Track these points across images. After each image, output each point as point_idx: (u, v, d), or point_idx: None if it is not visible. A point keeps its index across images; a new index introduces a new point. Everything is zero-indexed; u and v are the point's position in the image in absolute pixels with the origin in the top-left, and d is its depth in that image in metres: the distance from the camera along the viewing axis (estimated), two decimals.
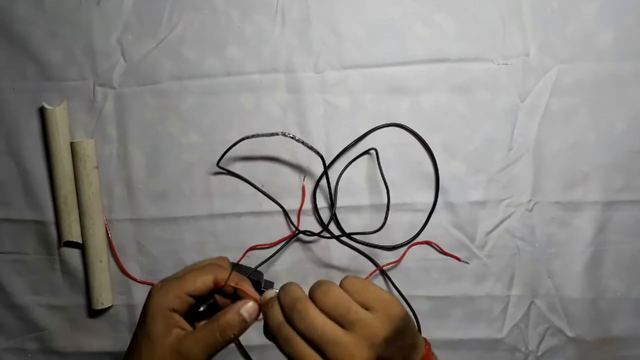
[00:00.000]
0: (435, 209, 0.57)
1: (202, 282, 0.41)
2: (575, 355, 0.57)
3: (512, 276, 0.57)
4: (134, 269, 0.59)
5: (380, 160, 0.57)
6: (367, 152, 0.57)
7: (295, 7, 0.56)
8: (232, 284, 0.42)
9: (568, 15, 0.55)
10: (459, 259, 0.57)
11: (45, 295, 0.60)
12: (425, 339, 0.41)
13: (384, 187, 0.56)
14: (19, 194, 0.59)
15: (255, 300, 0.41)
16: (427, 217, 0.57)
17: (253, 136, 0.54)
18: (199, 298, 0.42)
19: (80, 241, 0.58)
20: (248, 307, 0.41)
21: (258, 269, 0.58)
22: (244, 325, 0.40)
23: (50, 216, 0.58)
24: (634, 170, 0.56)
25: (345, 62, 0.56)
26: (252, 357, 0.58)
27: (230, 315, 0.40)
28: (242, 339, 0.58)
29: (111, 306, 0.59)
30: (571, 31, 0.55)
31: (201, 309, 0.43)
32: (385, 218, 0.56)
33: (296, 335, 0.36)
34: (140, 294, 0.59)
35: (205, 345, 0.39)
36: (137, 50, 0.57)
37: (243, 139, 0.54)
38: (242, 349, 0.58)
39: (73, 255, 0.59)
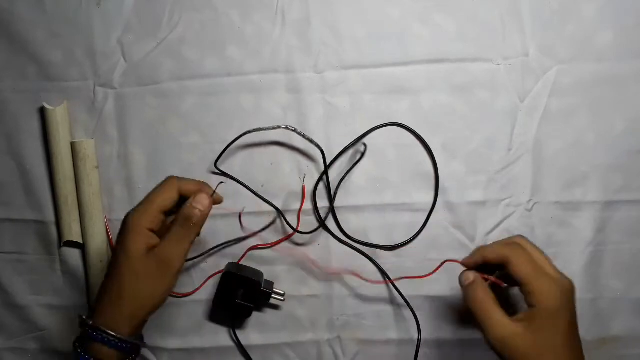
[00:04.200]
0: (435, 209, 0.57)
1: (170, 197, 0.46)
2: None
3: None
4: None
5: (380, 161, 0.57)
6: (358, 149, 0.57)
7: (295, 7, 0.57)
8: (195, 189, 0.47)
9: (568, 16, 0.55)
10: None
11: (46, 295, 0.60)
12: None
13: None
14: (20, 194, 0.59)
15: (205, 191, 0.47)
16: (426, 217, 0.57)
17: (254, 130, 0.54)
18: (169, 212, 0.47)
19: (80, 241, 0.58)
20: (198, 199, 0.46)
21: (258, 269, 0.58)
22: (200, 214, 0.45)
23: (50, 216, 0.58)
24: (633, 170, 0.56)
25: (345, 62, 0.56)
26: (252, 357, 0.58)
27: (185, 210, 0.45)
28: (242, 339, 0.58)
29: None
30: (571, 31, 0.55)
31: None
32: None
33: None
34: None
35: (177, 242, 0.45)
36: (138, 50, 0.57)
37: (244, 134, 0.54)
38: (242, 349, 0.58)
39: (73, 255, 0.59)
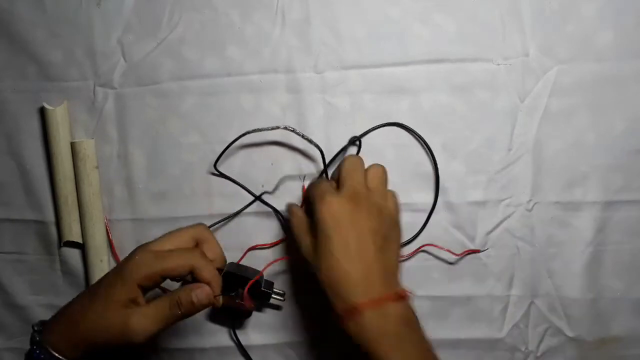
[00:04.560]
0: (435, 209, 0.57)
1: (179, 271, 0.44)
2: (575, 355, 0.57)
3: (512, 276, 0.57)
4: None
5: (380, 161, 0.56)
6: (353, 143, 0.57)
7: (295, 7, 0.57)
8: (205, 279, 0.45)
9: (568, 16, 0.55)
10: (461, 254, 0.57)
11: (46, 295, 0.60)
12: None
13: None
14: (19, 194, 0.59)
15: (213, 289, 0.45)
16: (426, 217, 0.57)
17: (254, 131, 0.54)
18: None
19: (80, 241, 0.58)
20: (199, 292, 0.44)
21: (258, 269, 0.58)
22: (192, 307, 0.44)
23: (50, 216, 0.58)
24: (633, 170, 0.56)
25: (345, 62, 0.56)
26: (252, 357, 0.58)
27: (182, 294, 0.43)
28: (242, 338, 0.58)
29: None
30: (571, 31, 0.55)
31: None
32: None
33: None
34: None
35: (154, 319, 0.42)
36: (138, 50, 0.57)
37: (243, 134, 0.54)
38: (242, 349, 0.58)
39: (73, 255, 0.59)
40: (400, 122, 0.57)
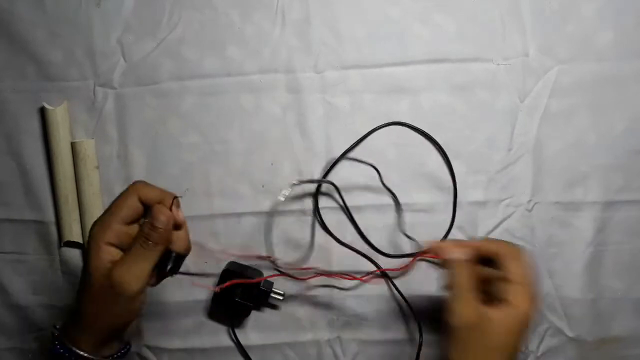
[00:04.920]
0: (437, 209, 0.57)
1: (130, 206, 0.42)
2: (575, 355, 0.57)
3: None
4: None
5: (381, 161, 0.57)
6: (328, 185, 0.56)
7: (295, 7, 0.57)
8: (157, 198, 0.43)
9: (568, 15, 0.55)
10: None
11: (46, 295, 0.60)
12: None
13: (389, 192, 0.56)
14: (20, 194, 0.59)
15: (166, 204, 0.43)
16: (430, 218, 0.57)
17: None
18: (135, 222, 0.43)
19: (80, 241, 0.58)
20: (155, 215, 0.41)
21: (258, 269, 0.58)
22: (158, 233, 0.41)
23: (50, 216, 0.58)
24: (633, 170, 0.56)
25: (345, 62, 0.56)
26: (252, 357, 0.58)
27: (144, 227, 0.42)
28: (242, 338, 0.58)
29: None
30: (571, 31, 0.55)
31: (168, 268, 0.44)
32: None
33: None
34: None
35: (134, 263, 0.41)
36: (137, 50, 0.57)
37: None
38: (241, 349, 0.58)
39: (73, 255, 0.59)
40: (401, 122, 0.57)
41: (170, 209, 0.42)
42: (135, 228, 0.43)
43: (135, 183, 0.44)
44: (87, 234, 0.57)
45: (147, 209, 0.43)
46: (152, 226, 0.41)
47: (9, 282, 0.60)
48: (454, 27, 0.56)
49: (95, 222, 0.43)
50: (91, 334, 0.43)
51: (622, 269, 0.56)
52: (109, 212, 0.42)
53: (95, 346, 0.43)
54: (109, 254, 0.41)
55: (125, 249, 0.42)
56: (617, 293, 0.57)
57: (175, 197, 0.43)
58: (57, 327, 0.44)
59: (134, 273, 0.41)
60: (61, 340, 0.43)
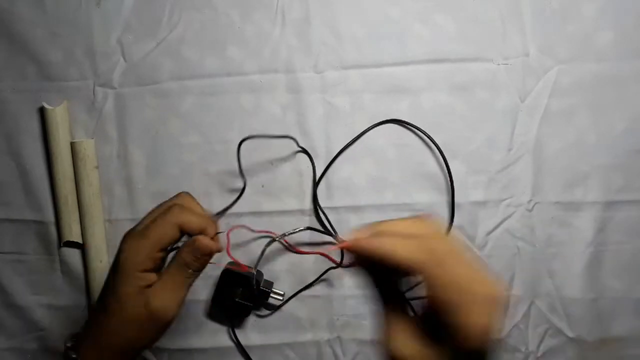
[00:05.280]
0: (436, 209, 0.57)
1: (169, 235, 0.41)
2: (575, 356, 0.57)
3: (512, 276, 0.57)
4: None
5: (380, 160, 0.57)
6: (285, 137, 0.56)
7: (295, 7, 0.57)
8: (198, 230, 0.41)
9: (568, 15, 0.55)
10: None
11: (46, 295, 0.60)
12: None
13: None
14: (19, 194, 0.59)
15: (209, 233, 0.41)
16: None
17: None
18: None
19: (80, 241, 0.58)
20: (198, 244, 0.40)
21: (258, 269, 0.58)
22: (198, 261, 0.41)
23: (50, 216, 0.58)
24: (634, 170, 0.56)
25: (345, 62, 0.56)
26: (252, 357, 0.58)
27: (184, 254, 0.40)
28: (242, 338, 0.58)
29: None
30: (571, 31, 0.55)
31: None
32: None
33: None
34: None
35: (172, 290, 0.40)
36: (137, 50, 0.57)
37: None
38: (241, 349, 0.58)
39: (73, 255, 0.59)
40: (396, 119, 0.57)
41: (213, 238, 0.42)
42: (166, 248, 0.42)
43: (175, 207, 0.42)
44: (87, 233, 0.57)
45: (184, 233, 0.42)
46: (195, 257, 0.40)
47: (9, 282, 0.60)
48: (454, 27, 0.56)
49: (127, 243, 0.41)
50: (111, 357, 0.41)
51: (622, 269, 0.56)
52: (144, 235, 0.41)
53: None
54: (142, 279, 0.40)
55: (156, 269, 0.41)
56: (617, 293, 0.57)
57: (218, 233, 0.43)
58: (69, 345, 0.43)
59: (174, 299, 0.40)
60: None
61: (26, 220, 0.59)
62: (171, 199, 0.44)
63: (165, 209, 0.42)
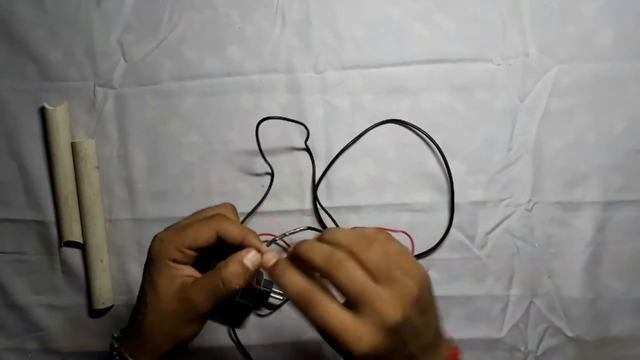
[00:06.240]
0: (436, 209, 0.57)
1: (204, 238, 0.41)
2: (574, 355, 0.57)
3: (512, 276, 0.57)
4: (134, 269, 0.59)
5: (380, 160, 0.57)
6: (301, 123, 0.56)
7: (295, 7, 0.57)
8: (237, 239, 0.41)
9: (568, 15, 0.55)
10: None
11: (46, 295, 0.60)
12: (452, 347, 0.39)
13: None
14: (20, 194, 0.59)
15: (258, 249, 0.41)
16: (429, 218, 0.57)
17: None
18: (204, 249, 0.42)
19: (81, 241, 0.58)
20: (250, 257, 0.40)
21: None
22: (247, 275, 0.40)
23: (50, 216, 0.59)
24: (633, 170, 0.56)
25: (345, 62, 0.56)
26: (252, 357, 0.58)
27: (232, 267, 0.40)
28: (242, 338, 0.58)
29: (112, 306, 0.59)
30: (571, 31, 0.55)
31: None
32: None
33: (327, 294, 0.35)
34: None
35: (209, 294, 0.40)
36: (138, 50, 0.57)
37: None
38: (241, 349, 0.58)
39: (74, 255, 0.59)
40: (396, 119, 0.57)
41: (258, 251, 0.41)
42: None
43: (217, 215, 0.42)
44: (87, 233, 0.57)
45: (221, 240, 0.42)
46: (247, 271, 0.40)
47: (9, 282, 0.60)
48: (454, 27, 0.56)
49: (161, 234, 0.41)
50: (151, 349, 0.42)
51: (622, 269, 0.57)
52: (180, 230, 0.41)
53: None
54: (174, 269, 0.41)
55: (186, 263, 0.41)
56: (617, 293, 0.57)
57: (259, 251, 0.41)
58: (116, 336, 0.44)
59: (205, 301, 0.40)
60: (120, 352, 0.42)
61: (27, 220, 0.59)
62: (214, 207, 0.45)
63: (207, 215, 0.43)
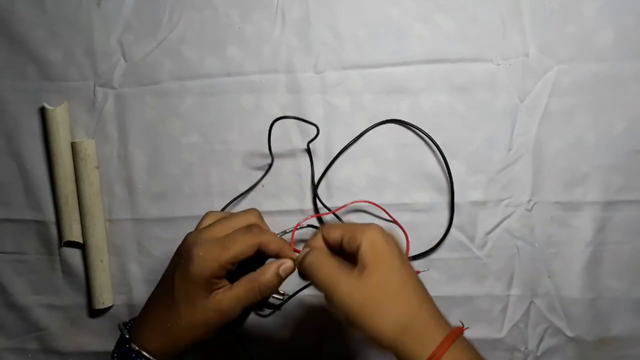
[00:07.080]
0: (435, 209, 0.57)
1: (247, 253, 0.42)
2: (574, 355, 0.57)
3: (512, 276, 0.57)
4: (134, 269, 0.59)
5: (380, 160, 0.57)
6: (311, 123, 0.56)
7: (295, 7, 0.57)
8: (275, 251, 0.43)
9: (568, 15, 0.55)
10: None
11: (46, 295, 0.60)
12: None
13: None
14: (20, 194, 0.59)
15: (292, 259, 0.44)
16: (429, 218, 0.57)
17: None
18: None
19: (81, 241, 0.58)
20: (286, 268, 0.43)
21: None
22: (280, 283, 0.43)
23: (50, 216, 0.59)
24: (633, 170, 0.56)
25: (345, 62, 0.56)
26: (252, 357, 0.58)
27: (270, 276, 0.43)
28: (242, 338, 0.58)
29: (112, 306, 0.59)
30: (571, 31, 0.55)
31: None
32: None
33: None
34: (141, 294, 0.59)
35: (244, 301, 0.43)
36: (138, 50, 0.57)
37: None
38: (242, 349, 0.58)
39: (74, 255, 0.59)
40: (396, 119, 0.57)
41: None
42: None
43: (255, 227, 0.44)
44: (87, 233, 0.57)
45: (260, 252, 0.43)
46: (265, 281, 0.43)
47: (9, 282, 0.60)
48: (454, 27, 0.56)
49: (203, 250, 0.42)
50: (172, 345, 0.43)
51: (622, 269, 0.57)
52: (224, 247, 0.42)
53: (170, 357, 0.44)
54: (215, 284, 0.42)
55: (224, 276, 0.43)
56: (617, 293, 0.57)
57: (294, 260, 0.44)
58: (124, 322, 0.45)
59: (235, 307, 0.43)
60: (130, 342, 0.43)
61: (27, 220, 0.59)
62: (242, 212, 0.46)
63: (240, 224, 0.44)
